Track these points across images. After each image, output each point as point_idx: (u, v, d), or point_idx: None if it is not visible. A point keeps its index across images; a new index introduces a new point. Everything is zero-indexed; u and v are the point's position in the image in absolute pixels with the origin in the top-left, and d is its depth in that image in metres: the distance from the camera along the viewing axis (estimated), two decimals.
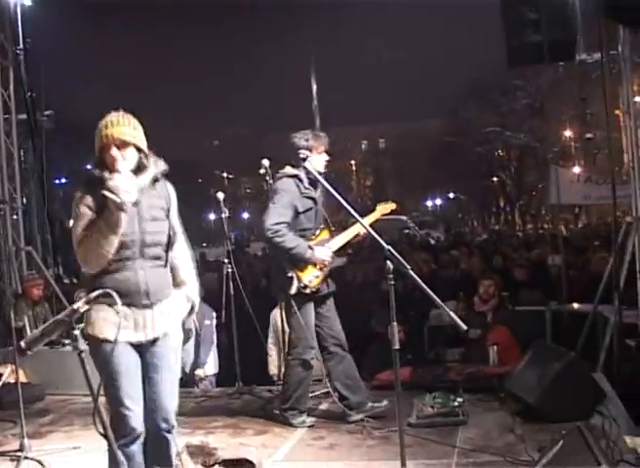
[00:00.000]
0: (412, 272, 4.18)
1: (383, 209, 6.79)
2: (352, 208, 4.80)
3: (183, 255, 4.42)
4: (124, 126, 4.11)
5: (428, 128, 57.33)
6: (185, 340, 4.47)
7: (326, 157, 6.45)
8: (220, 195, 7.96)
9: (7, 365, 8.71)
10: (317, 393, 7.20)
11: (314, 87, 37.34)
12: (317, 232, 6.48)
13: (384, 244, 4.28)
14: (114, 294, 3.36)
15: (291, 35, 71.81)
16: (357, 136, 67.36)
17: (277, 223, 6.18)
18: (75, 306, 3.12)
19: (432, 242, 25.89)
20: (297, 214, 6.34)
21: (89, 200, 4.04)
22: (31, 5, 11.79)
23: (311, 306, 6.43)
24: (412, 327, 9.13)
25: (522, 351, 7.28)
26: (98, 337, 3.98)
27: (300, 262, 6.29)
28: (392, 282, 4.22)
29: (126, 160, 4.08)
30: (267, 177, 6.93)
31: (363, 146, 72.84)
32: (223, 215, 7.99)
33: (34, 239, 12.50)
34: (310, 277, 6.33)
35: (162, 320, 4.18)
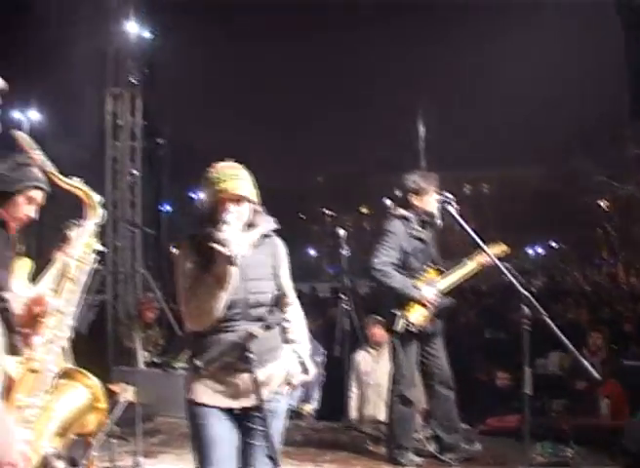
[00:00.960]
0: (547, 318, 4.19)
1: (495, 250, 6.62)
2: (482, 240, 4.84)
3: (295, 317, 4.19)
4: (240, 180, 3.91)
5: (532, 174, 56.71)
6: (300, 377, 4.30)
7: (437, 197, 6.50)
8: (342, 232, 8.05)
9: (119, 383, 8.96)
10: (424, 435, 7.20)
11: (421, 129, 37.30)
12: (425, 272, 6.53)
13: (522, 289, 4.30)
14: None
15: (399, 77, 72.20)
16: (461, 180, 67.04)
17: (383, 262, 6.30)
18: (250, 330, 3.17)
19: (533, 290, 25.50)
20: (404, 254, 6.43)
21: (194, 255, 3.85)
22: (152, 37, 12.31)
23: (415, 345, 6.48)
24: (517, 374, 9.07)
25: (631, 406, 7.18)
26: (194, 401, 3.86)
27: (407, 301, 6.36)
28: (527, 327, 4.23)
29: (240, 215, 3.88)
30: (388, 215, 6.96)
31: (466, 191, 72.42)
32: (344, 252, 8.05)
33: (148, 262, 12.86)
34: (416, 315, 6.38)
35: (266, 385, 3.90)
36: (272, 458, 3.74)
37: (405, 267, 6.43)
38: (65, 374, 2.77)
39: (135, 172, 11.84)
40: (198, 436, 3.87)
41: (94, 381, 2.93)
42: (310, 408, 8.83)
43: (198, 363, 3.79)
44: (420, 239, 6.48)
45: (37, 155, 2.69)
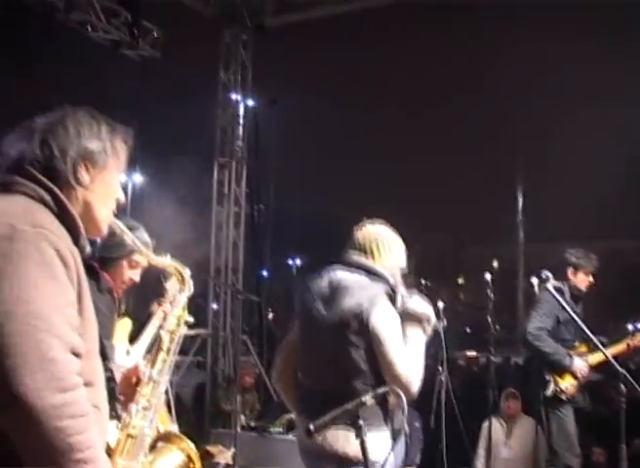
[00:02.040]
0: None
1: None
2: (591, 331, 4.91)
3: None
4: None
5: (633, 248, 55.72)
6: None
7: (591, 279, 6.62)
8: (441, 304, 8.10)
9: (217, 445, 9.15)
10: None
11: (520, 200, 37.10)
12: (575, 344, 6.63)
13: (619, 368, 4.34)
14: (402, 394, 3.17)
15: (497, 147, 72.04)
16: (558, 252, 66.30)
17: (538, 328, 6.42)
18: (363, 399, 3.28)
19: (632, 367, 24.95)
20: (557, 323, 6.52)
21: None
22: (256, 104, 12.77)
23: (571, 413, 6.51)
24: (612, 453, 8.93)
25: None
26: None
27: (558, 368, 6.44)
28: (624, 405, 4.26)
29: None
30: (489, 291, 6.94)
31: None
32: (440, 324, 8.09)
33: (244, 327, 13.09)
34: (567, 384, 6.45)
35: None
36: None
37: (557, 337, 6.53)
38: (162, 437, 2.96)
39: (237, 237, 12.18)
40: None
41: (188, 444, 3.10)
42: None
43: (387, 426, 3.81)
44: (573, 311, 6.50)
45: (128, 237, 2.92)
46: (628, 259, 54.55)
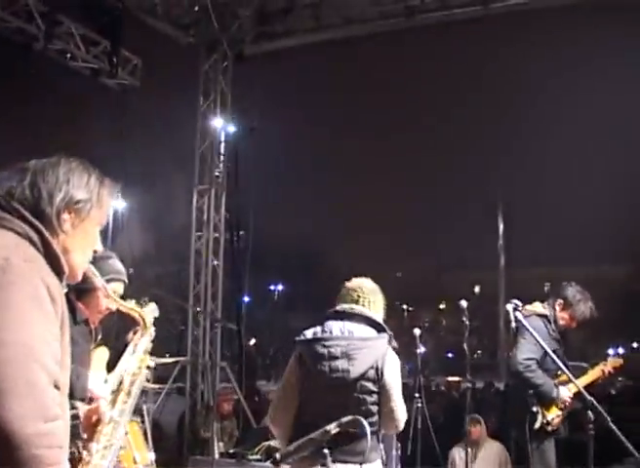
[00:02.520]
0: (611, 424, 4.24)
1: (613, 363, 6.76)
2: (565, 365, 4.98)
3: None
4: None
5: (615, 274, 55.86)
6: None
7: (573, 324, 6.56)
8: (417, 331, 8.16)
9: None
10: None
11: (501, 226, 37.24)
12: (559, 373, 6.42)
13: (587, 395, 4.37)
14: (364, 423, 3.37)
15: (477, 172, 72.42)
16: (540, 278, 66.48)
17: (528, 358, 6.24)
18: (327, 428, 3.36)
19: (612, 392, 25.05)
20: (545, 354, 6.29)
21: None
22: (236, 131, 12.86)
23: (552, 447, 6.40)
24: None
25: None
26: None
27: (545, 400, 6.34)
28: (592, 432, 4.30)
29: None
30: (464, 318, 6.98)
31: (545, 289, 71.62)
32: (418, 351, 8.16)
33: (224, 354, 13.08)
34: (553, 415, 6.35)
35: None
36: None
37: (542, 367, 6.38)
38: None
39: (216, 263, 12.22)
40: None
41: None
42: None
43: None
44: (557, 340, 6.48)
45: (98, 280, 3.02)
46: (615, 285, 54.68)
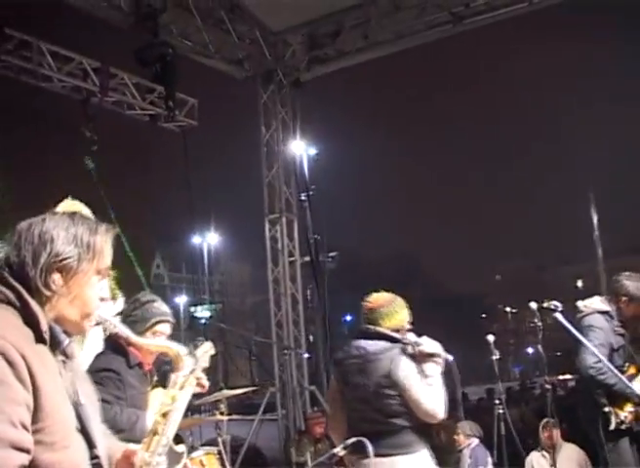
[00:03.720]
0: None
1: None
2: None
3: None
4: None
5: None
6: None
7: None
8: (491, 338, 8.09)
9: None
10: None
11: (595, 216, 36.46)
12: (624, 368, 6.36)
13: None
14: (368, 444, 3.79)
15: (569, 162, 71.21)
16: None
17: (598, 361, 5.99)
18: (335, 451, 3.49)
19: None
20: (612, 350, 6.28)
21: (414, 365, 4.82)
22: (315, 154, 12.98)
23: (627, 443, 6.26)
24: None
25: None
26: None
27: (618, 398, 6.19)
28: None
29: None
30: (536, 319, 6.90)
31: None
32: (494, 358, 8.08)
33: (320, 377, 13.14)
34: (626, 412, 6.20)
35: None
36: None
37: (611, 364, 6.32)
38: None
39: (295, 292, 12.35)
40: None
41: None
42: None
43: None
44: (622, 335, 6.37)
45: (116, 327, 3.16)
46: None
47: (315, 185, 13.23)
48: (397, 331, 4.91)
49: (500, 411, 8.10)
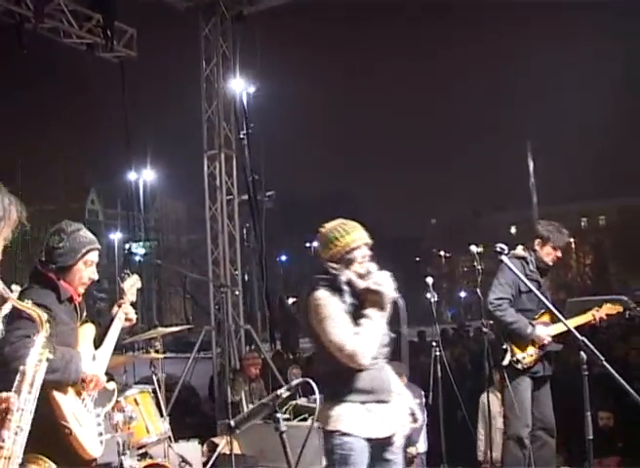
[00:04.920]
0: (606, 363, 4.15)
1: (609, 309, 6.69)
2: (556, 307, 4.96)
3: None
4: (361, 229, 4.46)
5: None
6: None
7: (558, 253, 6.61)
8: (430, 280, 8.07)
9: (223, 436, 9.23)
10: None
11: (531, 164, 36.82)
12: (538, 314, 6.56)
13: (578, 335, 4.30)
14: (313, 385, 3.48)
15: (507, 112, 71.63)
16: (576, 213, 65.85)
17: (499, 298, 6.40)
18: (278, 392, 3.41)
19: None
20: (519, 292, 6.52)
21: (338, 299, 4.29)
22: (255, 91, 12.76)
23: (527, 384, 6.48)
24: (625, 414, 8.86)
25: None
26: (341, 431, 4.18)
27: (518, 338, 6.42)
28: (586, 372, 4.26)
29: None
30: (476, 263, 6.97)
31: (582, 224, 70.98)
32: (432, 300, 8.08)
33: (255, 316, 13.10)
34: (524, 354, 6.43)
35: (399, 415, 4.39)
36: None
37: (518, 306, 6.51)
38: (28, 461, 3.33)
39: (232, 229, 12.19)
40: (345, 464, 4.19)
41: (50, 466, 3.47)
42: (415, 450, 8.83)
43: (352, 397, 4.21)
44: (536, 281, 6.49)
45: None
46: None
47: (254, 124, 13.11)
48: (342, 259, 4.36)
49: (437, 354, 8.13)
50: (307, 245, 60.53)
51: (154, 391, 6.73)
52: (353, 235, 4.39)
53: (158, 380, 7.08)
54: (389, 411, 4.32)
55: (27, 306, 3.07)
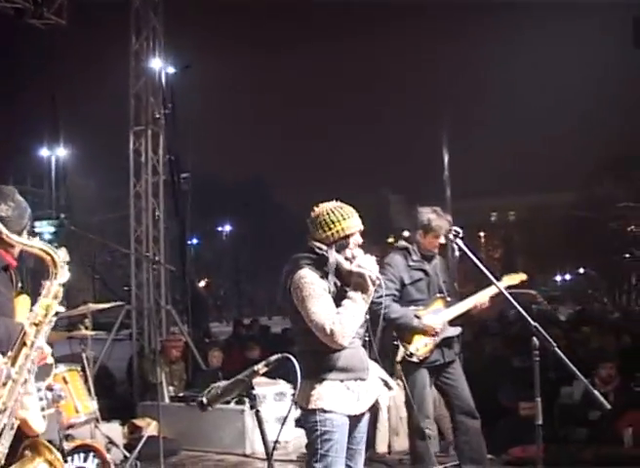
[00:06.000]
0: (557, 349, 4.20)
1: (511, 279, 6.72)
2: (490, 272, 4.95)
3: None
4: (357, 217, 4.48)
5: (560, 201, 56.27)
6: None
7: (441, 240, 6.50)
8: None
9: (144, 418, 9.05)
10: (448, 465, 7.16)
11: (446, 157, 37.20)
12: (429, 302, 6.55)
13: (531, 320, 4.33)
14: (294, 360, 3.42)
15: (424, 103, 72.32)
16: (486, 207, 67.02)
17: (381, 296, 6.24)
18: (255, 368, 3.27)
19: (562, 318, 25.37)
20: (403, 285, 6.49)
21: (322, 279, 4.32)
22: (175, 72, 12.55)
23: (423, 375, 6.46)
24: (543, 404, 8.98)
25: None
26: (323, 409, 4.25)
27: (407, 331, 6.39)
28: (537, 358, 4.29)
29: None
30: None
31: (492, 218, 72.26)
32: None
33: (168, 298, 12.87)
34: (417, 345, 6.40)
35: (374, 392, 4.48)
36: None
37: (406, 298, 6.49)
38: (29, 447, 2.77)
39: (157, 207, 11.98)
40: (327, 441, 4.27)
41: (56, 456, 2.95)
42: None
43: (332, 375, 4.28)
44: (421, 270, 6.55)
45: None
46: (559, 212, 55.18)
47: (180, 103, 12.92)
48: (334, 243, 4.39)
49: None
50: (219, 229, 60.38)
51: (83, 369, 6.54)
52: (349, 221, 4.43)
53: (87, 358, 6.87)
54: (366, 388, 4.41)
55: (35, 245, 2.69)
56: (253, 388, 3.28)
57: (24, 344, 2.49)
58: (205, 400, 3.28)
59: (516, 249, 65.33)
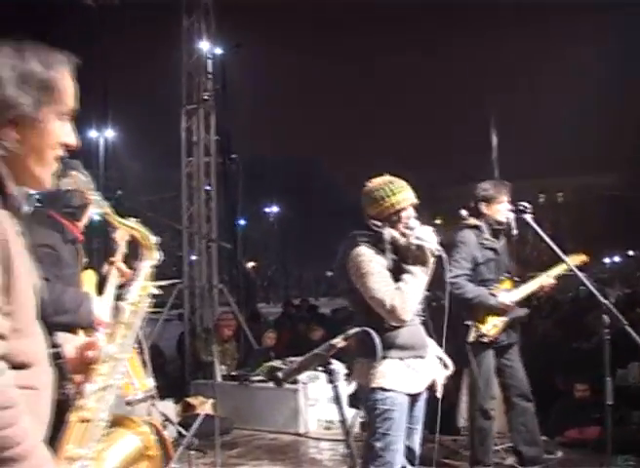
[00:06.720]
0: (628, 327, 4.12)
1: (573, 260, 6.58)
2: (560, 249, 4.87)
3: None
4: (410, 190, 4.43)
5: (609, 182, 55.66)
6: None
7: (507, 206, 6.34)
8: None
9: (197, 397, 9.09)
10: (502, 447, 7.09)
11: (494, 139, 36.93)
12: (499, 283, 6.43)
13: (603, 299, 4.24)
14: (373, 334, 3.39)
15: (470, 84, 71.71)
16: (535, 189, 66.30)
17: (456, 276, 6.13)
18: (333, 342, 3.20)
19: (611, 300, 25.04)
20: (476, 264, 6.35)
21: (379, 256, 4.28)
22: (225, 53, 12.53)
23: (490, 356, 6.37)
24: (597, 386, 8.89)
25: None
26: (384, 387, 4.22)
27: (480, 312, 6.28)
28: (608, 337, 4.20)
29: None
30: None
31: (540, 200, 71.54)
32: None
33: (219, 278, 12.89)
34: (489, 326, 6.30)
35: (433, 371, 4.41)
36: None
37: (477, 278, 6.35)
38: (116, 422, 2.71)
39: (209, 187, 12.00)
40: (387, 420, 4.22)
41: (144, 428, 2.91)
42: None
43: (392, 353, 4.20)
44: (492, 249, 6.40)
45: (92, 195, 2.71)
46: (607, 193, 54.49)
47: (230, 80, 12.91)
48: (387, 218, 4.35)
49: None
50: (266, 210, 60.45)
51: (140, 344, 6.55)
52: (401, 195, 4.38)
53: (146, 335, 6.90)
54: (425, 366, 4.36)
55: (130, 225, 2.65)
56: (330, 363, 3.18)
57: (121, 323, 2.44)
58: (282, 375, 3.24)
59: (564, 230, 64.66)
